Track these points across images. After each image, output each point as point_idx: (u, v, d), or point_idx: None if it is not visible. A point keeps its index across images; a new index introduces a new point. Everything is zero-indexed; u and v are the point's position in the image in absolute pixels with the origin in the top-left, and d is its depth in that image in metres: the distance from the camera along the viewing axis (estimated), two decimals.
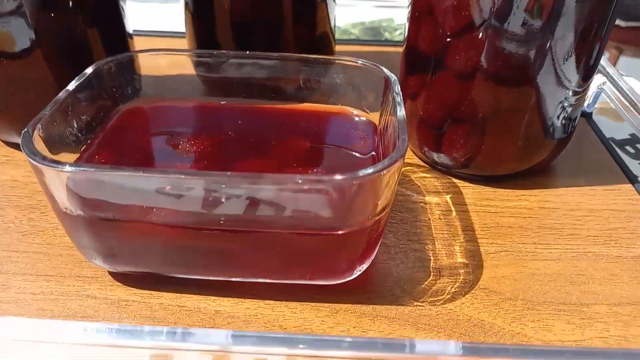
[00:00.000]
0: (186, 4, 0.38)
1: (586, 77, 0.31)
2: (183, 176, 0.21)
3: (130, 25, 0.38)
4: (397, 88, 0.28)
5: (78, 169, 0.21)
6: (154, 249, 0.24)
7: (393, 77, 0.29)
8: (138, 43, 0.40)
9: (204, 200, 0.22)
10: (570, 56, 0.29)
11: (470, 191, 0.35)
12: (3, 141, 0.37)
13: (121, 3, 0.36)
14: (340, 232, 0.23)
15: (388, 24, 0.61)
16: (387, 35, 0.60)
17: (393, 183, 0.23)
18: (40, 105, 0.33)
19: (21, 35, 0.31)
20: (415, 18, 0.33)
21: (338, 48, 0.45)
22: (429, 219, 0.32)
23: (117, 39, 0.37)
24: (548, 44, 0.29)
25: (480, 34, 0.29)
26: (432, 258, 0.29)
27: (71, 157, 0.27)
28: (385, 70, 0.30)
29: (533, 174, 0.36)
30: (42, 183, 0.23)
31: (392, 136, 0.26)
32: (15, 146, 0.37)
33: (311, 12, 0.40)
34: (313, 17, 0.40)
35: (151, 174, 0.21)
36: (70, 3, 0.32)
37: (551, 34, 0.28)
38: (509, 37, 0.28)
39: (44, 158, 0.21)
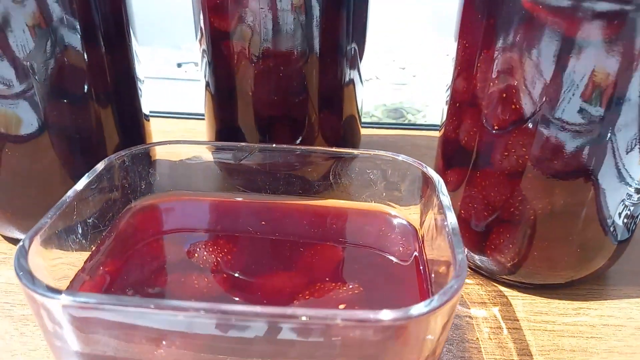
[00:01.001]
0: (207, 84, 0.36)
1: None
2: (195, 314, 0.17)
3: (147, 105, 0.36)
4: (444, 189, 0.25)
5: (76, 300, 0.18)
6: None
7: (437, 177, 0.26)
8: (155, 124, 0.37)
9: (219, 339, 0.18)
10: (634, 147, 0.26)
11: (520, 302, 0.30)
12: (2, 236, 0.34)
13: (138, 84, 0.34)
14: None
15: (410, 106, 0.60)
16: (410, 117, 0.58)
17: (450, 317, 0.19)
18: (45, 198, 0.30)
19: (29, 122, 0.29)
20: (456, 108, 0.30)
21: (364, 132, 0.43)
22: (477, 338, 0.28)
23: (133, 121, 0.35)
24: (608, 135, 0.25)
25: (531, 127, 0.26)
26: None
27: (73, 266, 0.24)
28: (428, 169, 0.27)
29: (590, 281, 0.32)
30: (35, 312, 0.19)
31: (442, 247, 0.23)
32: (16, 242, 0.33)
33: (339, 95, 0.37)
34: (340, 100, 0.38)
35: (160, 310, 0.17)
36: (85, 87, 0.30)
37: (612, 123, 0.25)
38: (564, 130, 0.25)
39: (34, 282, 0.18)
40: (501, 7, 0.25)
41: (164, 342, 0.19)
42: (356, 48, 0.36)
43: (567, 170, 0.27)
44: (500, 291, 0.31)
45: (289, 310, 0.18)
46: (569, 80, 0.24)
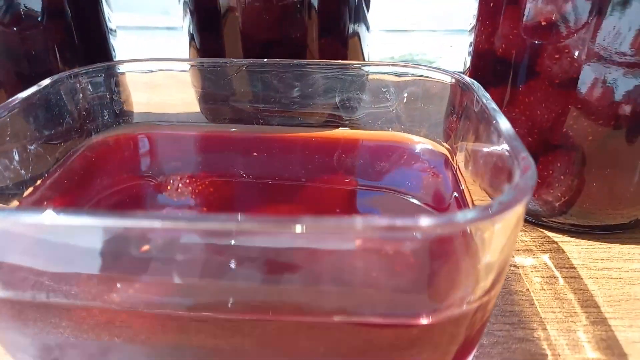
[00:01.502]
0: (191, 37, 0.31)
1: None
2: (170, 222, 0.12)
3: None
4: (485, 93, 0.19)
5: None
6: (123, 350, 0.15)
7: (475, 82, 0.20)
8: None
9: (204, 265, 0.13)
10: None
11: (574, 248, 0.25)
12: None
13: (109, 37, 0.29)
14: (424, 323, 0.14)
15: (421, 57, 0.54)
16: None
17: (513, 237, 0.14)
18: None
19: None
20: (490, 10, 0.25)
21: None
22: (528, 289, 0.22)
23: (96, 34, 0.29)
24: None
25: (590, 18, 0.21)
26: (549, 353, 0.19)
27: (5, 201, 0.18)
28: (461, 75, 0.21)
29: None
30: None
31: (487, 164, 0.17)
32: None
33: (342, 48, 0.31)
34: (344, 54, 0.32)
35: (116, 219, 0.12)
36: (41, 19, 0.24)
37: None
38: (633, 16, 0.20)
39: None
40: None
41: (117, 283, 0.14)
42: None
43: (633, 74, 0.21)
44: (549, 237, 0.26)
45: (292, 219, 0.12)
46: None
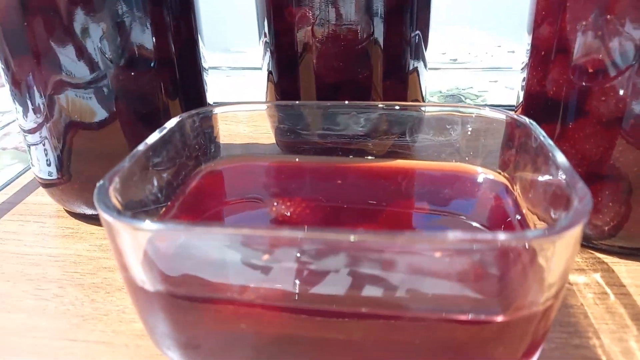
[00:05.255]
0: (269, 73, 0.35)
1: None
2: (299, 235, 0.15)
3: (211, 97, 0.35)
4: (541, 131, 0.23)
5: (163, 227, 0.16)
6: (253, 340, 0.18)
7: (532, 122, 0.24)
8: None
9: (324, 272, 0.16)
10: None
11: (623, 269, 0.27)
12: (69, 212, 0.33)
13: (204, 75, 0.34)
14: (500, 320, 0.17)
15: (468, 91, 0.57)
16: (469, 102, 0.55)
17: (575, 251, 0.17)
18: (108, 164, 0.30)
19: (98, 103, 0.29)
20: (541, 58, 0.28)
21: None
22: (582, 304, 0.25)
23: (194, 82, 0.34)
24: None
25: (633, 65, 0.24)
26: (604, 358, 0.22)
27: (149, 217, 0.22)
28: (520, 116, 0.25)
29: None
30: (114, 248, 0.18)
31: (546, 192, 0.21)
32: (82, 217, 0.33)
33: (402, 83, 0.35)
34: (405, 88, 0.36)
35: (256, 232, 0.16)
36: (153, 65, 0.29)
37: None
38: None
39: (119, 212, 0.17)
40: None
41: (251, 283, 0.18)
42: (420, 36, 0.35)
43: None
44: (598, 258, 0.28)
45: (397, 234, 0.16)
46: None
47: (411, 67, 0.35)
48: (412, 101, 0.36)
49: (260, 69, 0.36)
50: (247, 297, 0.17)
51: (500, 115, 0.26)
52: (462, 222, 0.24)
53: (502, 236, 0.15)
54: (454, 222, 0.25)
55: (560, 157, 0.20)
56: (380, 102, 0.27)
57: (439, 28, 0.59)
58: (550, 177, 0.20)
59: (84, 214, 0.32)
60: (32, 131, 0.30)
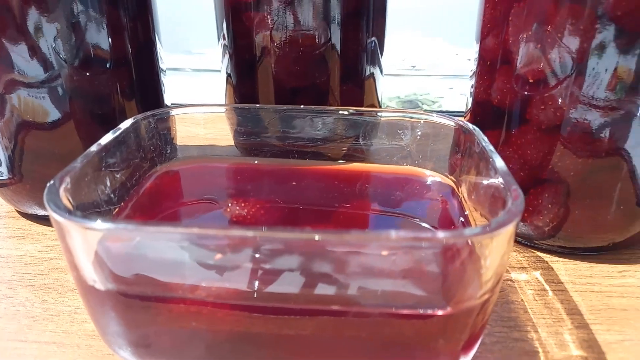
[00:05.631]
0: (228, 75, 0.36)
1: None
2: (252, 234, 0.16)
3: (171, 98, 0.36)
4: (484, 137, 0.24)
5: (114, 226, 0.17)
6: (203, 337, 0.19)
7: (476, 129, 0.25)
8: None
9: (274, 270, 0.17)
10: None
11: (562, 267, 0.29)
12: (20, 213, 0.33)
13: (161, 76, 0.34)
14: (441, 313, 0.18)
15: (425, 97, 0.59)
16: (425, 107, 0.57)
17: (509, 248, 0.18)
18: (60, 163, 0.30)
19: (52, 103, 0.28)
20: (487, 67, 0.30)
21: None
22: (522, 300, 0.26)
23: (150, 81, 0.34)
24: None
25: (570, 76, 0.25)
26: (540, 350, 0.23)
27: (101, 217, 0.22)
28: (464, 122, 0.26)
29: (631, 245, 0.30)
30: (65, 248, 0.18)
31: (486, 194, 0.22)
32: (33, 218, 0.32)
33: (359, 88, 0.37)
34: (361, 93, 0.37)
35: (208, 231, 0.16)
36: (109, 66, 0.29)
37: None
38: (604, 75, 0.25)
39: (70, 212, 0.17)
40: None
41: (202, 281, 0.18)
42: (376, 42, 0.36)
43: (608, 118, 0.26)
44: (540, 257, 0.30)
45: (345, 233, 0.16)
46: (605, 22, 0.24)
47: (367, 73, 0.36)
48: (367, 106, 0.37)
49: (219, 71, 0.37)
50: (197, 295, 0.18)
51: (448, 122, 0.27)
52: (411, 223, 0.25)
53: (440, 234, 0.16)
54: (403, 223, 0.26)
55: (499, 162, 0.21)
56: (335, 107, 0.28)
57: (399, 35, 0.61)
58: (490, 181, 0.22)
59: (36, 214, 0.32)
60: None
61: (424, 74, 0.64)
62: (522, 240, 0.31)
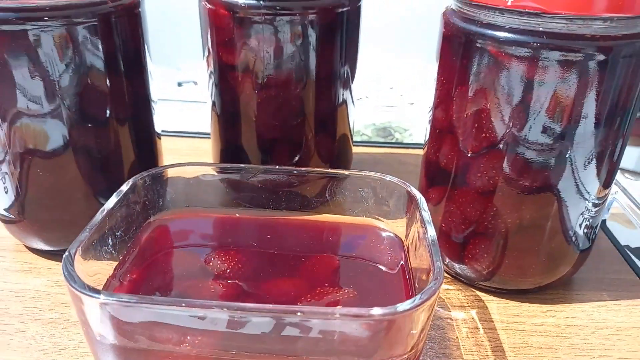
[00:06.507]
0: (213, 104, 0.40)
1: (606, 183, 0.32)
2: (217, 310, 0.21)
3: (159, 125, 0.40)
4: (425, 206, 0.29)
5: (117, 300, 0.21)
6: None
7: (419, 196, 0.30)
8: (164, 142, 0.41)
9: (233, 332, 0.22)
10: (588, 167, 0.30)
11: (495, 305, 0.34)
12: (27, 247, 0.37)
13: (152, 105, 0.38)
14: None
15: (398, 125, 0.64)
16: (397, 135, 0.62)
17: (431, 313, 0.23)
18: (68, 212, 0.34)
19: (55, 141, 0.32)
20: (436, 134, 0.34)
21: (355, 150, 0.47)
22: (457, 337, 0.31)
23: (147, 140, 0.38)
24: (566, 157, 0.29)
25: (500, 152, 0.30)
26: None
27: (105, 273, 0.27)
28: (412, 188, 0.31)
29: (557, 287, 0.35)
30: (78, 310, 0.22)
31: (424, 257, 0.27)
32: (39, 252, 0.37)
33: (333, 116, 0.41)
34: (334, 121, 0.41)
35: (190, 308, 0.21)
36: (107, 110, 0.34)
37: (567, 149, 0.29)
38: (528, 154, 0.29)
39: (86, 287, 0.21)
40: (472, 51, 0.29)
41: (188, 337, 0.23)
42: (349, 71, 0.40)
43: (532, 188, 0.31)
44: (478, 296, 0.35)
45: (294, 308, 0.21)
46: (529, 113, 0.28)
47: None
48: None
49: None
50: (182, 348, 0.23)
51: (400, 185, 0.32)
52: (367, 265, 0.30)
53: (376, 311, 0.21)
54: (361, 266, 0.31)
55: (431, 232, 0.26)
56: (308, 169, 0.33)
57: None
58: (425, 246, 0.26)
59: (41, 249, 0.36)
60: None
61: (400, 94, 0.68)
62: (464, 281, 0.36)
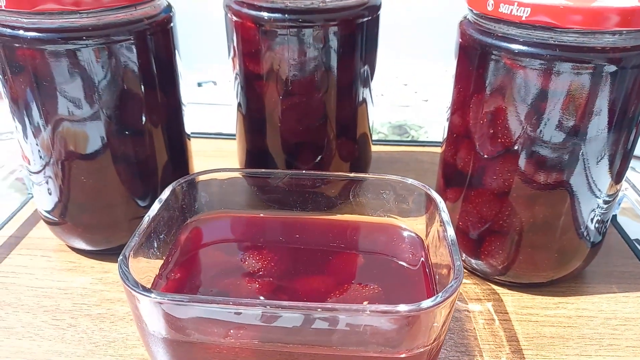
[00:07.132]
0: (239, 105, 0.42)
1: (617, 181, 0.33)
2: (253, 309, 0.23)
3: (189, 127, 0.42)
4: (444, 207, 0.31)
5: (171, 299, 0.24)
6: None
7: (439, 198, 0.32)
8: (194, 144, 0.44)
9: (273, 326, 0.24)
10: (599, 165, 0.32)
11: (509, 298, 0.36)
12: (70, 247, 0.40)
13: (183, 109, 0.40)
14: (402, 355, 0.25)
15: (413, 123, 0.66)
16: (413, 133, 0.64)
17: (451, 309, 0.25)
18: (109, 214, 0.37)
19: (96, 151, 0.35)
20: (453, 138, 0.36)
21: (373, 148, 0.49)
22: (474, 328, 0.34)
23: (179, 143, 0.41)
24: (577, 159, 0.31)
25: (514, 156, 0.32)
26: None
27: (152, 272, 0.29)
28: (431, 190, 0.33)
29: (569, 280, 0.37)
30: (133, 307, 0.25)
31: (444, 255, 0.29)
32: (82, 252, 0.39)
33: (354, 118, 0.43)
34: (355, 123, 0.43)
35: (236, 306, 0.24)
36: (143, 119, 0.36)
37: (578, 152, 0.31)
38: (540, 157, 0.31)
39: (141, 287, 0.24)
40: (488, 62, 0.31)
41: (231, 331, 0.25)
42: (369, 74, 0.42)
43: (544, 189, 0.33)
44: (493, 289, 0.37)
45: (329, 305, 0.24)
46: (542, 120, 0.30)
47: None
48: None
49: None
50: (227, 341, 0.25)
51: (420, 188, 0.34)
52: (389, 262, 0.33)
53: (402, 307, 0.23)
54: (384, 263, 0.33)
55: (451, 234, 0.28)
56: (331, 173, 0.35)
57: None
58: (445, 246, 0.29)
59: (84, 249, 0.39)
60: (38, 177, 0.36)
61: (415, 90, 0.70)
62: (480, 275, 0.38)
